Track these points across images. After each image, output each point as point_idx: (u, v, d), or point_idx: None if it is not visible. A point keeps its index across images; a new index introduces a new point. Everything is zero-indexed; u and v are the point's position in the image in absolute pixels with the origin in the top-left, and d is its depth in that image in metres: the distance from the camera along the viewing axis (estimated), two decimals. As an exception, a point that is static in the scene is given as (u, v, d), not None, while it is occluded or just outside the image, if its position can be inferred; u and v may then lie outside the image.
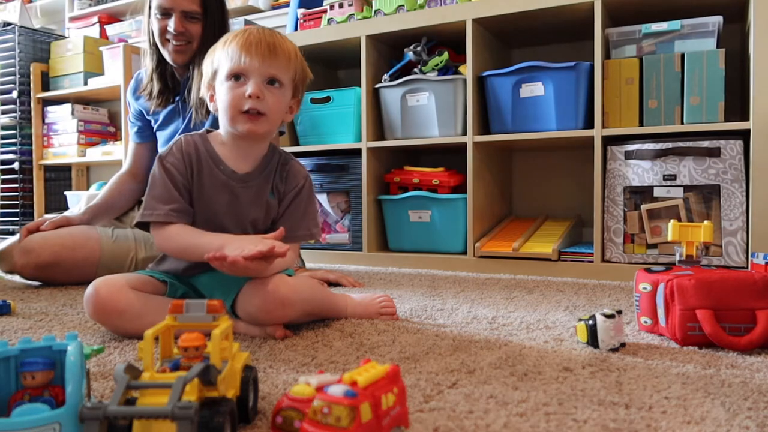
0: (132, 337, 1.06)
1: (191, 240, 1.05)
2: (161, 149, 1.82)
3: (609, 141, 1.87)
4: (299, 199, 1.17)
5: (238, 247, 0.97)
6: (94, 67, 3.22)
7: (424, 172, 2.17)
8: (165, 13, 1.64)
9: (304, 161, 2.31)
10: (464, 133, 2.07)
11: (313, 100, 2.32)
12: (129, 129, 1.91)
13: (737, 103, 1.88)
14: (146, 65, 1.76)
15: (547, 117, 1.95)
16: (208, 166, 1.11)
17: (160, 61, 1.73)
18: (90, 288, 1.04)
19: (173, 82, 1.76)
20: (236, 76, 1.05)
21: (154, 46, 1.72)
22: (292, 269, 1.22)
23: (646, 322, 1.08)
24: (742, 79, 1.87)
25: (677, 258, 1.15)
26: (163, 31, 1.65)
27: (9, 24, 3.31)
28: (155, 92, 1.74)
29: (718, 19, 1.75)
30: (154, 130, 1.84)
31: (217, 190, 1.11)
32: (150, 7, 1.69)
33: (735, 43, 1.93)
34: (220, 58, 1.07)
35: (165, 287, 1.12)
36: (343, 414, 0.55)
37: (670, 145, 1.74)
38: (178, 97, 1.75)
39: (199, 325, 0.67)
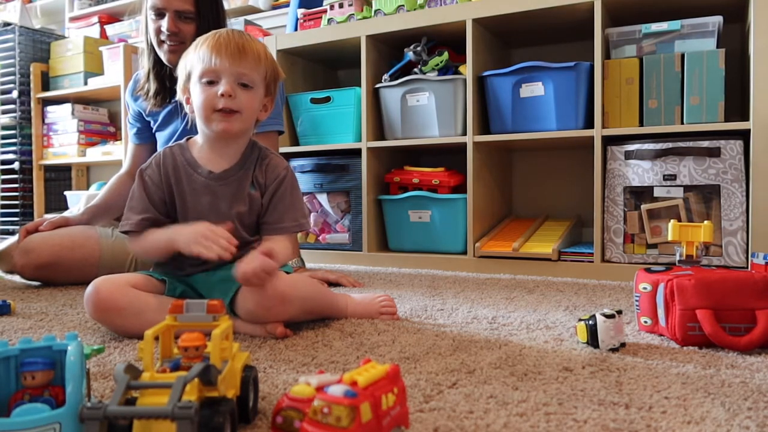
0: (132, 335, 1.06)
1: (148, 238, 1.11)
2: (160, 150, 1.82)
3: (609, 141, 1.87)
4: (282, 189, 1.17)
5: (187, 235, 1.04)
6: (94, 67, 3.22)
7: (424, 172, 2.17)
8: (159, 14, 1.65)
9: (304, 161, 2.31)
10: (464, 133, 2.07)
11: (313, 100, 2.32)
12: (128, 130, 1.91)
13: (737, 103, 1.88)
14: (143, 65, 1.76)
15: (547, 117, 1.95)
16: (186, 173, 1.14)
17: (157, 62, 1.73)
18: (90, 287, 1.05)
19: (171, 83, 1.76)
20: (208, 78, 1.08)
21: (150, 46, 1.72)
22: (290, 266, 1.22)
23: (646, 322, 1.08)
24: (742, 79, 1.87)
25: (677, 258, 1.15)
26: (158, 31, 1.66)
27: (9, 24, 3.31)
28: (152, 92, 1.75)
29: (718, 19, 1.75)
30: (154, 130, 1.84)
31: (198, 193, 1.14)
32: (147, 8, 1.70)
33: (735, 43, 1.93)
34: (193, 61, 1.10)
35: (164, 286, 1.13)
36: (343, 414, 0.55)
37: (670, 145, 1.74)
38: (175, 98, 1.75)
39: (200, 325, 0.67)
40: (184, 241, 1.04)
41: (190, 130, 1.69)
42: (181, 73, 1.14)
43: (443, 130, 2.10)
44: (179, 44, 1.65)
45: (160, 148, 1.83)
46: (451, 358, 0.92)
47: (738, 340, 0.94)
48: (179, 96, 1.16)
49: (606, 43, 1.88)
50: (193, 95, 1.12)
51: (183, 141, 1.19)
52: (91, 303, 1.04)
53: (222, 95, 1.07)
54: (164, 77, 1.75)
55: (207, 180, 1.14)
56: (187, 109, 1.16)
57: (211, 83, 1.08)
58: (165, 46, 1.67)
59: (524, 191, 2.36)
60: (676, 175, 1.74)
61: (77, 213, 1.78)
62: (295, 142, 2.42)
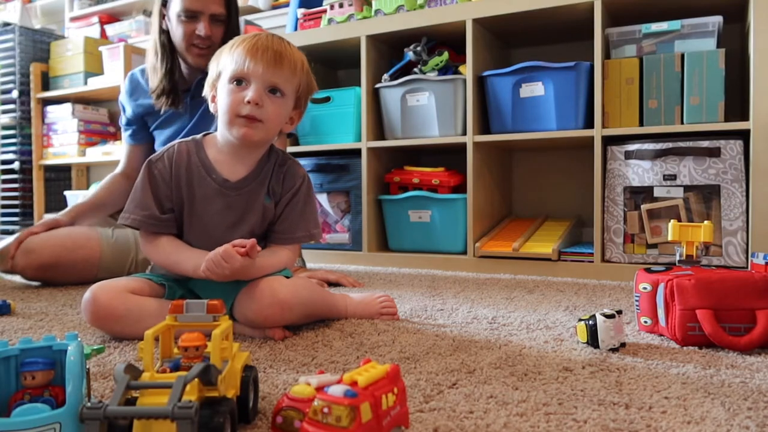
0: (132, 340, 1.05)
1: (173, 255, 1.08)
2: (159, 149, 1.81)
3: (609, 141, 1.87)
4: (296, 200, 1.15)
5: (198, 262, 1.02)
6: (94, 67, 3.22)
7: (424, 172, 2.17)
8: (192, 16, 1.63)
9: (304, 161, 2.31)
10: (464, 133, 2.07)
11: (313, 100, 2.29)
12: (122, 132, 1.89)
13: (737, 103, 1.88)
14: (156, 67, 1.72)
15: (547, 117, 1.95)
16: (199, 175, 1.10)
17: (173, 64, 1.71)
18: (87, 294, 1.03)
19: (182, 84, 1.74)
20: (238, 80, 1.04)
21: (164, 47, 1.70)
22: (290, 270, 1.21)
23: (646, 322, 1.08)
24: (742, 79, 1.87)
25: (677, 258, 1.15)
26: (190, 34, 1.64)
27: (9, 24, 3.31)
28: (166, 93, 1.71)
29: (718, 19, 1.75)
30: (152, 129, 1.83)
31: (210, 199, 1.10)
32: (164, 9, 1.68)
33: (735, 43, 1.93)
34: (226, 60, 1.06)
35: (163, 290, 1.11)
36: (343, 414, 0.55)
37: (670, 145, 1.74)
38: (187, 99, 1.74)
39: (200, 325, 0.67)
40: (192, 268, 1.04)
41: (198, 129, 1.69)
42: (212, 70, 1.10)
43: (443, 130, 2.10)
44: (208, 48, 1.64)
45: (158, 147, 1.83)
46: (451, 358, 0.92)
47: (738, 340, 0.94)
48: (206, 92, 1.12)
49: (606, 43, 1.88)
50: (219, 96, 1.07)
51: (199, 137, 1.14)
52: (89, 311, 1.02)
53: (249, 102, 1.02)
54: (176, 79, 1.72)
55: (221, 187, 1.10)
56: (210, 107, 1.12)
57: (240, 87, 1.04)
58: (194, 50, 1.66)
59: (524, 191, 2.36)
60: (676, 175, 1.74)
61: (63, 212, 1.76)
62: (295, 142, 2.42)
